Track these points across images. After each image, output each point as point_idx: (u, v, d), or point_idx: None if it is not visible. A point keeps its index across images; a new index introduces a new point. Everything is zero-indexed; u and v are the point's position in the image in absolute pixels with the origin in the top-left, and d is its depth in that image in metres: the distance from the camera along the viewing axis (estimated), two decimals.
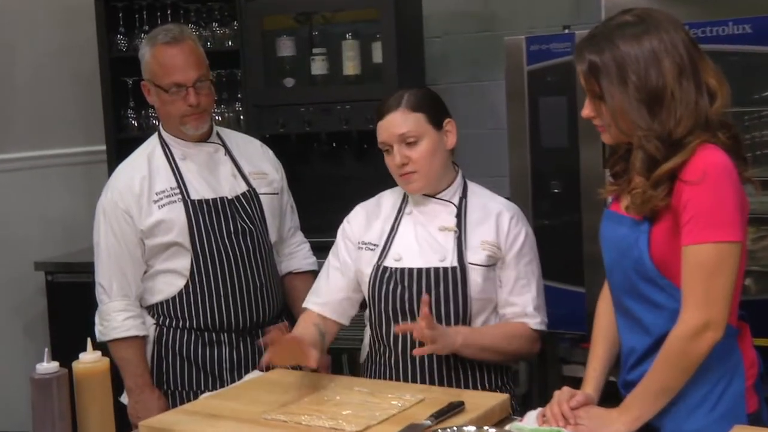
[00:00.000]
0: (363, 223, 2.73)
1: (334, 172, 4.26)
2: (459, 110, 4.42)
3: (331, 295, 2.73)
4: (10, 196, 4.44)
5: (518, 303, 2.63)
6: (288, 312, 3.11)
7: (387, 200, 2.77)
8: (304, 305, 2.77)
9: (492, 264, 2.60)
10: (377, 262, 2.64)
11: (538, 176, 3.24)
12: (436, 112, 2.65)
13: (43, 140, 4.63)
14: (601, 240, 2.25)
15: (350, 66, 4.10)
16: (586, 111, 2.17)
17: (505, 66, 3.29)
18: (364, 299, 2.73)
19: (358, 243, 2.71)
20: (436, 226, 2.64)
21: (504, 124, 3.43)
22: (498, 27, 4.35)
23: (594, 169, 3.10)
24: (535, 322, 2.64)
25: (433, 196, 2.67)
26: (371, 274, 2.64)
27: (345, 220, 2.79)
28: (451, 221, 2.63)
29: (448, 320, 2.56)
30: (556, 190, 3.22)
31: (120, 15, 4.51)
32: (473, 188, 2.73)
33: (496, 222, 2.63)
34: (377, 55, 4.05)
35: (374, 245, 2.68)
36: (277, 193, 3.07)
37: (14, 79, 4.50)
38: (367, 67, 4.11)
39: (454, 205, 2.66)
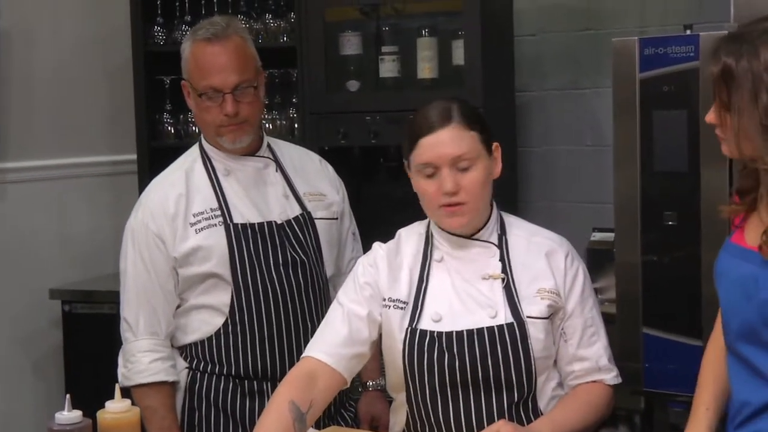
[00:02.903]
0: (387, 272, 2.63)
1: (403, 193, 4.21)
2: (553, 122, 4.46)
3: (347, 347, 2.58)
4: (25, 210, 4.48)
5: (589, 356, 2.59)
6: None
7: (406, 244, 2.67)
8: (306, 353, 2.62)
9: (552, 315, 2.55)
10: (410, 326, 2.54)
11: (650, 205, 3.19)
12: (488, 132, 2.57)
13: (63, 147, 4.68)
14: (717, 275, 2.25)
15: (426, 68, 4.10)
16: (711, 117, 2.15)
17: (612, 72, 3.24)
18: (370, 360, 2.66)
19: (384, 299, 2.61)
20: (479, 275, 2.56)
21: (608, 140, 3.40)
22: (603, 25, 4.34)
23: (718, 199, 3.04)
24: (612, 376, 2.63)
25: (470, 237, 2.59)
26: (404, 340, 2.54)
27: (366, 263, 2.66)
28: (496, 267, 2.57)
29: (510, 391, 2.50)
30: (670, 222, 3.17)
31: (158, 2, 4.56)
32: (511, 222, 2.67)
33: (549, 263, 2.58)
34: (458, 56, 4.04)
35: (403, 303, 2.58)
36: (336, 218, 3.07)
37: (33, 75, 4.55)
38: (445, 70, 4.10)
39: (495, 245, 2.59)
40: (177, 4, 4.57)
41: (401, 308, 2.56)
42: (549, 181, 4.49)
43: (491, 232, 2.60)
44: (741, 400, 2.18)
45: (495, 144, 2.58)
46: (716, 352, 2.35)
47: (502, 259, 2.57)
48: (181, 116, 4.53)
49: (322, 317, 2.81)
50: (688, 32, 3.16)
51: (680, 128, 3.12)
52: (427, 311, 2.54)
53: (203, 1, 4.50)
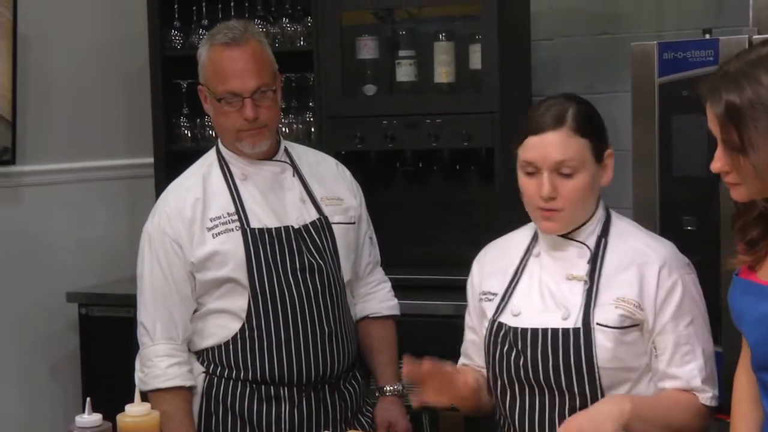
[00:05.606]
0: (488, 266, 2.68)
1: (420, 197, 4.22)
2: None
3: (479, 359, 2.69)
4: (42, 213, 4.47)
5: (681, 376, 2.48)
6: (362, 364, 3.07)
7: (518, 236, 2.69)
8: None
9: (628, 326, 2.46)
10: (494, 316, 2.57)
11: (668, 210, 3.17)
12: (600, 139, 2.53)
13: (80, 150, 4.67)
14: (735, 313, 2.22)
15: (443, 72, 4.08)
16: (718, 164, 2.07)
17: (630, 76, 3.22)
18: None
19: (480, 294, 2.66)
20: (563, 274, 2.53)
21: (626, 145, 3.37)
22: (620, 29, 4.34)
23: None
24: (706, 396, 2.49)
25: (566, 236, 2.55)
26: (489, 329, 2.57)
27: (473, 269, 2.74)
28: (583, 268, 2.52)
29: (572, 398, 2.46)
30: (689, 227, 3.15)
31: (175, 6, 4.54)
32: (618, 224, 2.60)
33: (640, 273, 2.48)
34: (475, 60, 4.02)
35: (493, 294, 2.60)
36: (354, 223, 3.05)
37: (50, 79, 4.54)
38: (462, 74, 4.08)
39: (588, 248, 2.54)
40: (194, 8, 4.55)
41: (490, 300, 2.61)
42: None
43: (590, 234, 2.55)
44: None
45: (608, 151, 2.54)
46: (745, 388, 2.32)
47: (592, 262, 2.52)
48: (198, 120, 4.51)
49: (340, 322, 2.85)
50: (707, 36, 3.15)
51: (699, 133, 3.07)
52: (511, 304, 2.57)
53: (220, 6, 4.48)
